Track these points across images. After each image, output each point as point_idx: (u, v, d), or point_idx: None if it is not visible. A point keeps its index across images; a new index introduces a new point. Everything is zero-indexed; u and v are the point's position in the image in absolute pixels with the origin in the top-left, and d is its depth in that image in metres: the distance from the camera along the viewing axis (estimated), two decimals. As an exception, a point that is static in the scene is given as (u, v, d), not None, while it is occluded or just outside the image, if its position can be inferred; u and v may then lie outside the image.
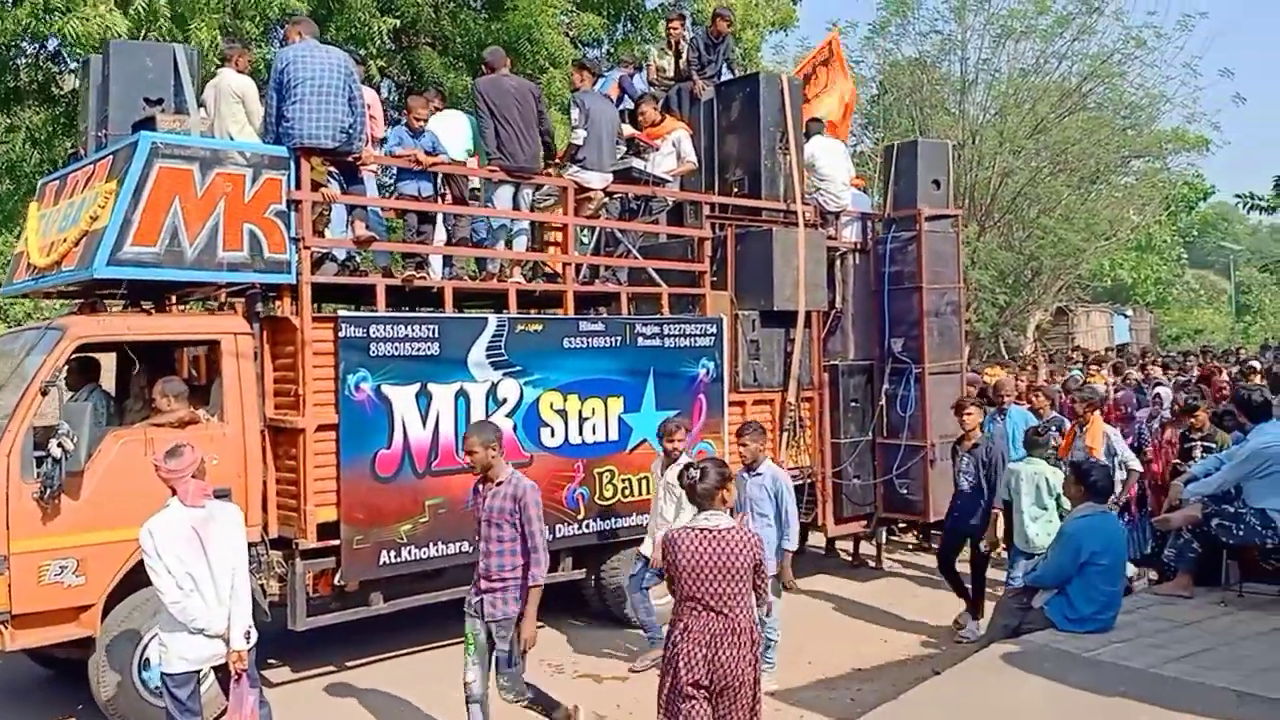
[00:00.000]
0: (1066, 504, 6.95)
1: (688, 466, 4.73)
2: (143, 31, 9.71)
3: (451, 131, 8.22)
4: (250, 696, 5.04)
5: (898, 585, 9.54)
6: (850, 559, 10.42)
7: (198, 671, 4.99)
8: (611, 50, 15.41)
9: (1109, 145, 20.39)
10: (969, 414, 7.88)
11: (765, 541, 5.97)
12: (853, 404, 9.61)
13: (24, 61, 11.53)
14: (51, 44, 11.21)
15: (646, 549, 7.24)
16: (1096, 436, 8.45)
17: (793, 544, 6.82)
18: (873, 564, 10.26)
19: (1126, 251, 28.22)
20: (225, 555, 4.94)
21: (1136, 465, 8.54)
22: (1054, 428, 8.27)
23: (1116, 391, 10.57)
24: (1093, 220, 21.06)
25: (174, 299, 7.42)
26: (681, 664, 4.31)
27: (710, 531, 4.37)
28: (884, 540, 10.40)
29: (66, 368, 6.26)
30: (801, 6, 17.71)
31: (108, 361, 7.15)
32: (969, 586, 7.93)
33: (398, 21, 12.35)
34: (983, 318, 20.47)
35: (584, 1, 14.67)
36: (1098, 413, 8.77)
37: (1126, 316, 32.82)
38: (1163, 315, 37.24)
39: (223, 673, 5.03)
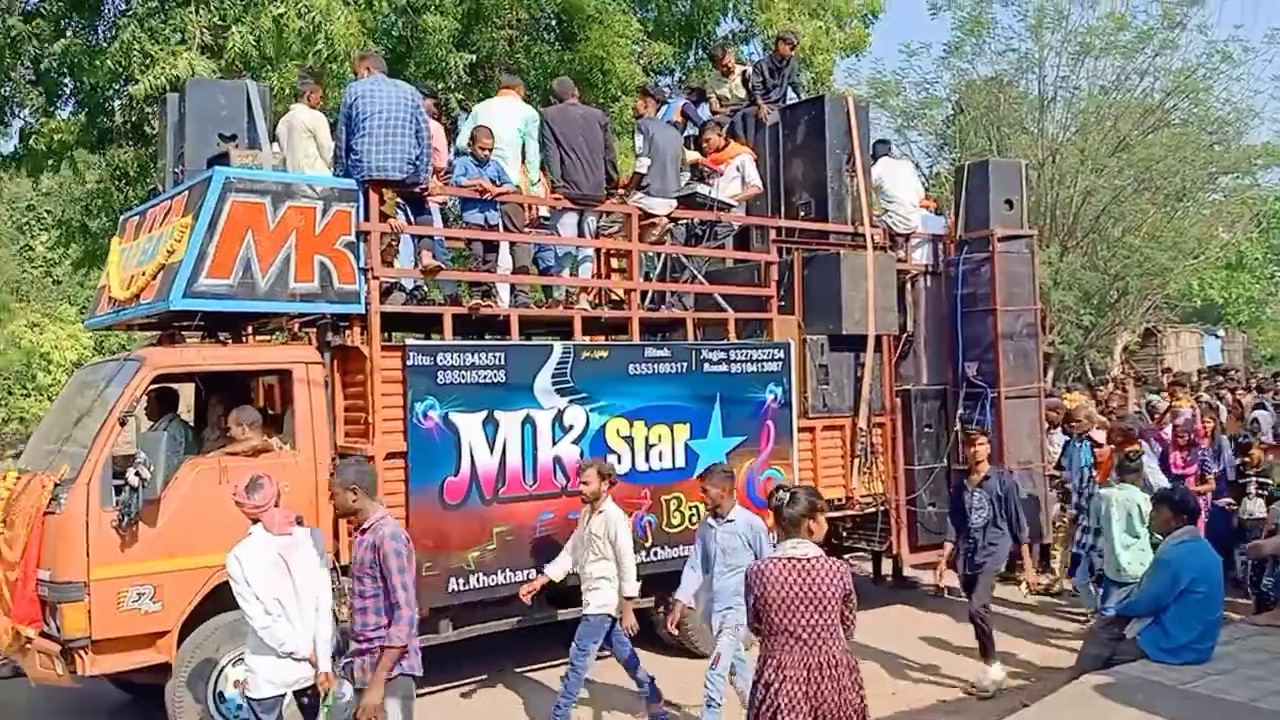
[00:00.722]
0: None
1: (778, 488, 4.55)
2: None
3: (503, 115, 8.03)
4: None
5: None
6: (933, 588, 10.13)
7: (283, 695, 5.04)
8: (683, 78, 15.47)
9: (1195, 162, 19.72)
10: (980, 445, 7.40)
11: (732, 591, 5.75)
12: (926, 429, 9.38)
13: (119, 103, 12.01)
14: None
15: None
16: None
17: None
18: (951, 593, 9.97)
19: (1216, 270, 27.21)
20: (310, 580, 5.03)
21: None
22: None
23: (1176, 418, 10.06)
24: (1180, 238, 20.36)
25: (250, 329, 7.59)
26: (784, 704, 4.15)
27: (799, 561, 4.24)
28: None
29: (145, 398, 6.44)
30: (874, 31, 17.59)
31: (187, 392, 7.33)
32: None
33: (474, 56, 12.57)
34: (1067, 340, 19.93)
35: (655, 30, 14.78)
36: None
37: (1218, 337, 31.61)
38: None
39: (306, 696, 5.07)
